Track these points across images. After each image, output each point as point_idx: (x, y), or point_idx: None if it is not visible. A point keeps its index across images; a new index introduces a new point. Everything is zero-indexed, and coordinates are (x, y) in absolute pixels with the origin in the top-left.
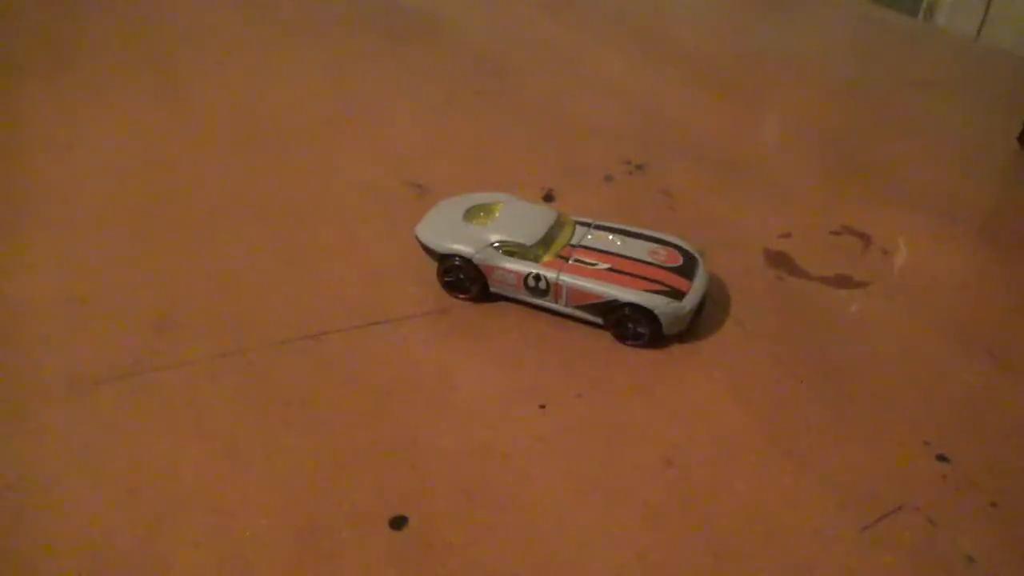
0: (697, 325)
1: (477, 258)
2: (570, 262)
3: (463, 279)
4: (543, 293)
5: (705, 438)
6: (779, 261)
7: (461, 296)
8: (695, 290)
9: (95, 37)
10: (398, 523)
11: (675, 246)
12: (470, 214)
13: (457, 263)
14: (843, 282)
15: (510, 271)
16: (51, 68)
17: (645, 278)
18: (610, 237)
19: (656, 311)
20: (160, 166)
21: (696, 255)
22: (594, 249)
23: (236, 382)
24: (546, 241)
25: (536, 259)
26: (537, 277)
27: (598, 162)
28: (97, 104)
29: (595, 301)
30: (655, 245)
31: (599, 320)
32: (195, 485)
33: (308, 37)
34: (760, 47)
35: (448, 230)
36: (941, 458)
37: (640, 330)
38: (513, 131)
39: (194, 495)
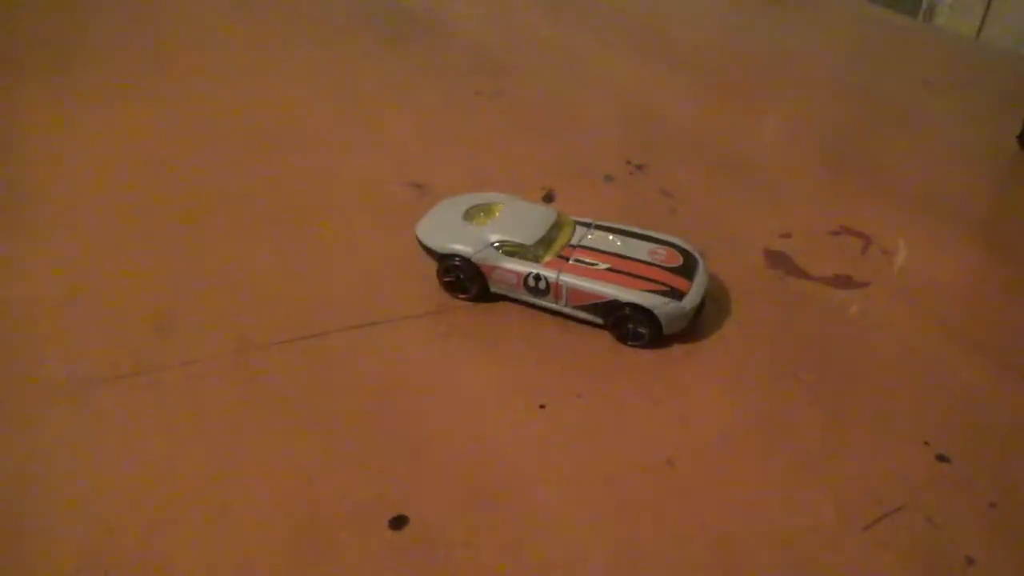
0: (697, 325)
1: (477, 258)
2: (570, 262)
3: (463, 279)
4: (543, 293)
5: (705, 438)
6: (779, 261)
7: (461, 296)
8: (695, 290)
9: (95, 37)
10: (398, 523)
11: (675, 246)
12: (470, 214)
13: (457, 263)
14: (843, 282)
15: (510, 271)
16: (51, 68)
17: (645, 278)
18: (610, 237)
19: (656, 311)
20: (160, 166)
21: (696, 255)
22: (594, 249)
23: (236, 382)
24: (546, 241)
25: (536, 259)
26: (537, 277)
27: (598, 162)
28: (97, 105)
29: (595, 301)
30: (655, 245)
31: (599, 320)
32: (195, 485)
33: (308, 37)
34: (760, 47)
35: (448, 230)
36: (941, 458)
37: (640, 330)
38: (513, 131)
39: (194, 495)
